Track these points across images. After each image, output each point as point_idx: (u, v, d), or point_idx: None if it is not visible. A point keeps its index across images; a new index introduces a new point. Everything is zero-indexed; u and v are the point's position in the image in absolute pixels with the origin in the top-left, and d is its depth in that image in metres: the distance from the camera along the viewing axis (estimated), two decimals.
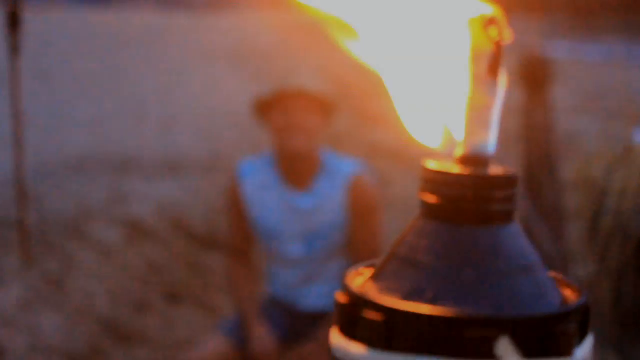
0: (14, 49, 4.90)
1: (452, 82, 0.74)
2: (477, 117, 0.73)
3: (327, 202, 3.12)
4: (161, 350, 4.52)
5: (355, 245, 3.15)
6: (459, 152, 0.76)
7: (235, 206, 3.22)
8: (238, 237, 3.25)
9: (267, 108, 3.12)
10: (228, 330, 3.18)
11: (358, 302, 0.68)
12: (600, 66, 14.35)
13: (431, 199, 0.76)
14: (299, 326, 3.21)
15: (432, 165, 0.76)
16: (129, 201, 6.46)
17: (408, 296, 0.67)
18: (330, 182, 3.13)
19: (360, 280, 0.73)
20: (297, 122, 3.03)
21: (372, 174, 3.24)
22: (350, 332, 0.68)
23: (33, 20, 7.37)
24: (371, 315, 0.66)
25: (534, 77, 4.81)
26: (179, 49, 13.44)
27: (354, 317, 0.68)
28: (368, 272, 0.74)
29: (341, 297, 0.70)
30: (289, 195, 3.14)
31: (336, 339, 0.70)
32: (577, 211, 4.35)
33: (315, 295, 3.21)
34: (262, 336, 3.08)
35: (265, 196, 3.16)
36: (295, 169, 3.12)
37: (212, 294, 5.25)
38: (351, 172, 3.13)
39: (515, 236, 0.70)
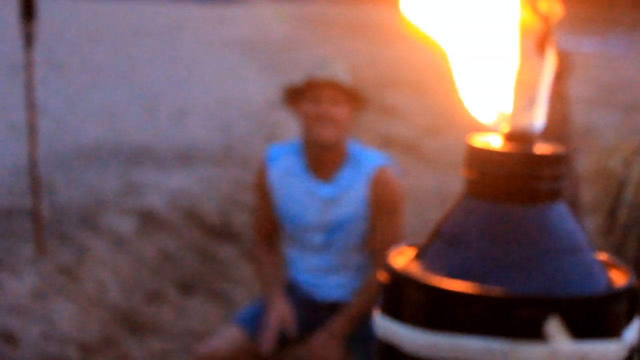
0: (28, 39, 4.89)
1: (500, 58, 0.71)
2: (524, 93, 0.70)
3: (349, 193, 3.11)
4: (174, 341, 4.51)
5: (375, 239, 3.13)
6: (506, 129, 0.73)
7: (262, 190, 3.22)
8: (263, 220, 3.25)
9: (297, 96, 3.11)
10: (243, 321, 3.17)
11: (402, 282, 0.66)
12: (619, 59, 14.27)
13: (476, 177, 0.73)
14: (314, 315, 3.19)
15: (477, 142, 0.73)
16: (142, 191, 6.45)
17: (454, 275, 0.64)
18: (354, 173, 3.11)
19: (403, 259, 0.71)
20: (326, 112, 3.02)
21: (397, 168, 3.21)
22: (393, 311, 0.66)
23: (47, 11, 7.37)
24: (416, 294, 0.64)
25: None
26: (192, 39, 13.44)
27: (398, 297, 0.66)
28: (410, 252, 0.72)
29: (384, 277, 0.68)
30: (312, 183, 3.13)
31: (379, 318, 0.68)
32: (594, 204, 4.32)
33: (333, 286, 3.20)
34: (277, 310, 3.07)
35: (289, 182, 3.16)
36: (321, 158, 3.11)
37: (225, 284, 5.24)
38: (376, 165, 3.12)
39: (563, 216, 0.67)
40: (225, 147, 7.90)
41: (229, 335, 3.12)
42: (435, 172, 7.99)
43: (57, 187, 6.53)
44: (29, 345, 4.18)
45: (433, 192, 7.27)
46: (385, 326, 0.68)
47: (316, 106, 3.03)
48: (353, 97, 3.08)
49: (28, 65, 4.97)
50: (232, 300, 5.02)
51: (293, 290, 3.25)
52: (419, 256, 0.71)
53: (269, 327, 3.05)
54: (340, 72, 3.05)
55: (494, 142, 0.72)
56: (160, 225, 5.92)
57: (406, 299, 0.66)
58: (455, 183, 7.62)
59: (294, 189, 3.16)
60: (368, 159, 3.13)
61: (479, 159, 0.72)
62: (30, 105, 5.03)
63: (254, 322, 3.14)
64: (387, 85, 11.52)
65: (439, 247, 0.69)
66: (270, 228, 3.27)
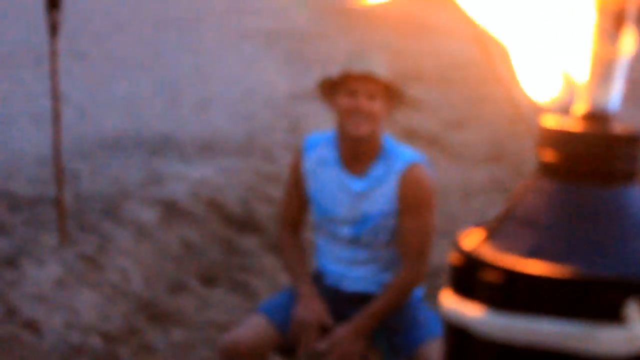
0: (53, 29, 4.90)
1: (576, 36, 0.69)
2: (601, 72, 0.68)
3: (379, 188, 3.09)
4: (196, 331, 4.52)
5: (404, 236, 3.10)
6: (581, 108, 0.71)
7: (295, 178, 3.22)
8: (291, 208, 3.25)
9: (332, 89, 3.09)
10: (269, 310, 3.16)
11: (474, 264, 0.64)
12: None
13: (550, 157, 0.71)
14: (339, 305, 3.18)
15: (552, 122, 0.71)
16: (164, 181, 6.46)
17: (528, 257, 0.63)
18: (386, 168, 3.09)
19: (473, 241, 0.69)
20: (362, 106, 3.00)
21: (430, 166, 3.19)
22: (465, 293, 0.65)
23: (72, 1, 7.38)
24: (490, 276, 0.63)
25: None
26: (215, 29, 13.44)
27: (470, 279, 0.64)
28: (480, 233, 0.71)
29: (455, 259, 0.67)
30: (344, 176, 3.12)
31: (449, 301, 0.67)
32: None
33: (360, 278, 3.18)
34: (310, 305, 3.06)
35: (322, 173, 3.16)
36: (355, 152, 3.09)
37: (247, 275, 5.24)
38: (408, 161, 3.09)
39: (639, 197, 0.65)
40: (247, 137, 7.90)
41: (255, 325, 3.12)
42: (459, 166, 7.95)
43: (80, 177, 6.55)
44: (52, 334, 4.20)
45: (457, 187, 7.24)
46: (456, 309, 0.66)
47: (352, 100, 3.01)
48: (389, 91, 3.06)
49: (53, 56, 4.98)
50: (254, 291, 5.03)
51: (319, 279, 3.25)
52: (490, 237, 0.69)
53: (307, 330, 3.04)
54: (377, 65, 3.03)
55: (570, 123, 0.70)
56: (183, 215, 5.93)
57: (480, 280, 0.65)
58: (479, 177, 7.59)
59: (326, 181, 3.15)
60: (401, 155, 3.10)
61: (555, 139, 0.70)
62: (55, 95, 5.05)
63: (280, 312, 3.14)
64: (410, 78, 11.47)
65: (513, 229, 0.68)
66: (296, 216, 3.27)
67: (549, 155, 0.69)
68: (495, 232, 0.68)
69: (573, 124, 0.69)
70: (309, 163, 3.18)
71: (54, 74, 5.00)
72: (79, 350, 4.14)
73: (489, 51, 4.55)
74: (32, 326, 4.15)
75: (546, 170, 0.69)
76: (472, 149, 8.52)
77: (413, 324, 3.10)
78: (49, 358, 4.03)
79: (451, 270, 0.66)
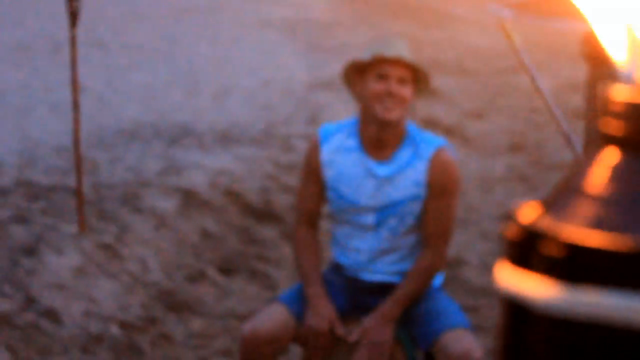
0: (73, 17, 4.89)
1: None
2: None
3: (406, 173, 3.06)
4: (215, 320, 4.51)
5: (428, 222, 3.09)
6: None
7: (311, 170, 3.18)
8: (307, 201, 3.21)
9: (360, 73, 3.07)
10: (289, 300, 3.14)
11: (533, 237, 0.62)
12: None
13: (615, 129, 0.68)
14: (361, 297, 3.16)
15: (616, 94, 0.68)
16: (183, 171, 6.45)
17: (591, 230, 0.60)
18: (412, 153, 3.07)
19: (532, 214, 0.67)
20: (393, 91, 2.98)
21: (454, 153, 3.17)
22: (523, 267, 0.63)
23: None
24: (550, 249, 0.60)
25: (596, 52, 4.70)
26: (233, 19, 13.42)
27: (529, 253, 0.62)
28: (538, 206, 0.68)
29: (513, 232, 0.64)
30: (368, 161, 3.09)
31: (506, 276, 0.64)
32: None
33: (383, 268, 3.16)
34: (320, 311, 3.04)
35: (342, 161, 3.12)
36: (380, 137, 3.06)
37: (266, 264, 5.23)
38: (435, 147, 3.08)
39: None
40: (266, 127, 7.89)
41: (275, 315, 3.10)
42: (478, 156, 7.91)
43: (99, 166, 6.55)
44: (72, 323, 4.20)
45: (476, 177, 7.20)
46: (513, 283, 0.64)
47: (383, 84, 2.99)
48: (417, 77, 3.05)
49: (72, 44, 4.97)
50: (272, 280, 5.01)
51: (338, 270, 3.22)
52: (550, 210, 0.66)
53: (319, 337, 3.03)
54: (406, 50, 3.03)
55: (633, 94, 0.67)
56: (201, 204, 5.92)
57: (539, 254, 0.62)
58: (499, 167, 7.55)
59: (347, 168, 3.12)
60: (427, 140, 3.09)
61: (621, 111, 0.67)
62: (74, 84, 5.04)
63: (299, 303, 3.12)
64: (430, 68, 11.41)
65: (573, 201, 0.65)
66: (313, 209, 3.23)
67: (613, 127, 0.66)
68: (555, 204, 0.65)
69: (636, 96, 0.67)
70: (326, 153, 3.15)
71: (73, 63, 4.99)
72: (98, 340, 4.14)
73: (512, 39, 4.49)
74: (52, 315, 4.15)
75: (610, 142, 0.66)
76: (492, 139, 8.48)
77: (432, 314, 3.07)
78: (69, 347, 4.03)
79: (508, 244, 0.64)
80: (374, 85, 3.00)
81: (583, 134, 4.88)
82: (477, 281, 4.97)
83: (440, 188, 3.06)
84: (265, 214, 6.01)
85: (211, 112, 8.64)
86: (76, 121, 5.07)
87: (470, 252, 5.41)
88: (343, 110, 7.49)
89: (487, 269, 5.18)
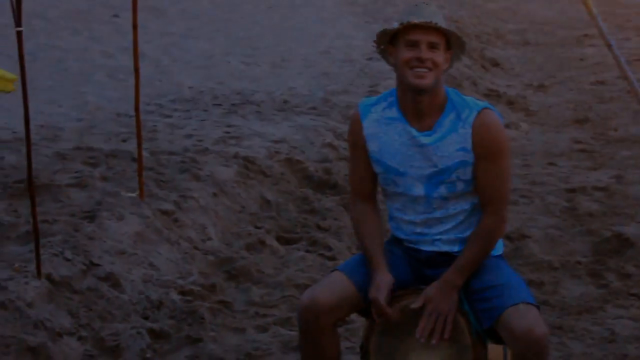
0: None
1: None
2: None
3: (450, 140, 2.99)
4: (274, 289, 4.46)
5: (481, 187, 3.02)
6: None
7: (356, 146, 3.12)
8: (360, 177, 3.15)
9: (392, 41, 3.00)
10: (350, 270, 3.08)
11: None
12: None
13: None
14: (423, 269, 3.09)
15: None
16: (242, 139, 6.42)
17: None
18: (454, 119, 3.00)
19: None
20: (424, 56, 2.92)
21: (498, 114, 3.08)
22: None
23: None
24: None
25: None
26: None
27: None
28: None
29: None
30: (411, 131, 3.02)
31: None
32: None
33: (438, 236, 3.09)
34: (380, 282, 2.98)
35: (386, 133, 3.05)
36: (419, 106, 3.00)
37: (326, 234, 5.17)
38: (477, 111, 3.00)
39: None
40: (325, 96, 7.81)
41: (336, 284, 3.03)
42: (542, 130, 7.75)
43: (158, 133, 6.54)
44: (132, 289, 4.18)
45: (540, 151, 7.05)
46: None
47: (413, 51, 2.93)
48: (449, 41, 2.97)
49: (133, 12, 4.93)
50: (332, 250, 4.95)
51: (398, 244, 3.15)
52: None
53: (378, 306, 2.97)
54: (436, 15, 2.95)
55: None
56: (260, 173, 5.88)
57: None
58: (562, 141, 7.39)
59: (392, 141, 3.05)
60: (468, 105, 3.02)
61: None
62: (135, 51, 5.00)
63: (360, 273, 3.05)
64: (491, 39, 11.25)
65: None
66: (366, 185, 3.16)
67: None
68: None
69: None
70: (369, 126, 3.08)
71: (134, 29, 4.95)
72: (158, 306, 4.12)
73: (590, 6, 4.35)
74: (113, 280, 4.14)
75: None
76: (556, 112, 8.30)
77: (496, 289, 2.99)
78: (130, 312, 4.01)
79: None
80: (404, 53, 2.94)
81: None
82: (541, 255, 4.86)
83: (487, 151, 2.98)
84: (324, 184, 5.95)
85: (270, 80, 8.59)
86: (136, 87, 5.03)
87: (534, 226, 5.30)
88: None
89: (552, 243, 5.07)
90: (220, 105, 7.60)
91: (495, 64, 10.12)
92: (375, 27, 10.94)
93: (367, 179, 3.15)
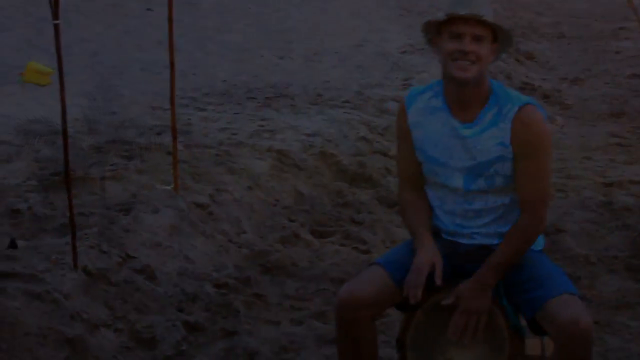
0: None
1: None
2: None
3: (489, 133, 2.98)
4: (309, 283, 4.46)
5: (519, 185, 2.99)
6: None
7: (402, 134, 3.13)
8: (407, 164, 3.15)
9: (438, 33, 2.98)
10: (388, 264, 3.06)
11: None
12: None
13: None
14: (461, 263, 3.07)
15: None
16: (276, 132, 6.41)
17: None
18: (498, 112, 2.98)
19: None
20: (468, 48, 2.89)
21: (541, 110, 3.05)
22: None
23: None
24: None
25: None
26: None
27: None
28: None
29: None
30: (454, 122, 3.01)
31: None
32: None
33: (477, 231, 3.07)
34: (426, 252, 2.95)
35: (430, 123, 3.05)
36: (463, 97, 2.99)
37: (360, 228, 5.16)
38: (520, 104, 2.98)
39: None
40: (359, 90, 7.79)
41: (375, 278, 3.02)
42: (577, 123, 7.68)
43: (192, 126, 6.55)
44: (167, 281, 4.20)
45: (575, 144, 6.99)
46: None
47: (457, 43, 2.91)
48: (495, 34, 2.94)
49: (169, 5, 4.94)
50: (365, 243, 4.94)
51: (438, 235, 3.14)
52: None
53: (418, 273, 2.94)
54: (482, 7, 2.92)
55: None
56: (294, 166, 5.87)
57: None
58: (598, 134, 7.33)
59: (435, 131, 3.04)
60: (512, 98, 3.00)
61: None
62: (170, 44, 5.00)
63: (399, 268, 3.04)
64: (526, 32, 11.16)
65: None
66: (413, 174, 3.16)
67: None
68: None
69: None
70: (414, 116, 3.08)
71: (169, 22, 4.95)
72: (193, 298, 4.13)
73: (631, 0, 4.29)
74: (148, 272, 4.15)
75: None
76: (591, 106, 8.23)
77: (537, 280, 2.96)
78: (165, 304, 4.03)
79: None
80: (448, 44, 2.92)
81: None
82: (578, 250, 4.82)
83: (526, 147, 2.95)
84: (359, 177, 5.93)
85: (304, 73, 8.57)
86: (172, 81, 5.04)
87: (570, 220, 5.25)
88: (437, 73, 7.34)
89: (588, 237, 5.02)
90: (254, 98, 7.60)
91: (530, 57, 10.03)
92: (409, 20, 10.90)
93: (414, 167, 3.14)
